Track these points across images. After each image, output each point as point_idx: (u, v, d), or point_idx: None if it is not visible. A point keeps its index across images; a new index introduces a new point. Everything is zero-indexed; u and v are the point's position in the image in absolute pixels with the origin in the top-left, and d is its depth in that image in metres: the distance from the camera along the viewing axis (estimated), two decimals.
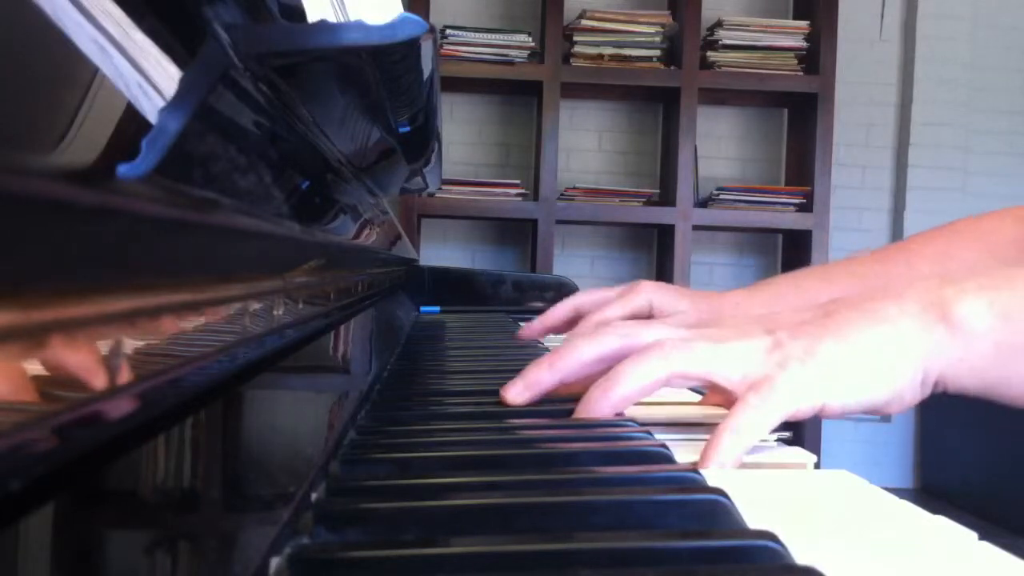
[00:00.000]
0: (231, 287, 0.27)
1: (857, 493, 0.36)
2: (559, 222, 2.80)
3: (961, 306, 0.45)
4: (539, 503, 0.30)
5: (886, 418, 3.14)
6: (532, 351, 0.84)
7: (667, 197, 2.87)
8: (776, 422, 0.44)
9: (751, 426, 0.43)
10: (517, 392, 0.51)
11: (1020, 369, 0.45)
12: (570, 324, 0.79)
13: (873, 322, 0.45)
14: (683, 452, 0.42)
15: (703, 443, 0.44)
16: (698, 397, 0.60)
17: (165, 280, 0.21)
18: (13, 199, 0.13)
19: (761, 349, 0.46)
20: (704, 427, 0.50)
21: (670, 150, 2.91)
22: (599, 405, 0.47)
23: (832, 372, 0.44)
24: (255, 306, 0.29)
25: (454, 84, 2.82)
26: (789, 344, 0.45)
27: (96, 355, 0.17)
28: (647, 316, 0.74)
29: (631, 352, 0.48)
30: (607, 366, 0.49)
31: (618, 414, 0.48)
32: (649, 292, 0.75)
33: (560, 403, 0.51)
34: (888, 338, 0.45)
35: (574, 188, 2.85)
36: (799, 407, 0.43)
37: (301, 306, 0.38)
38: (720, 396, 0.55)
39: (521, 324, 1.19)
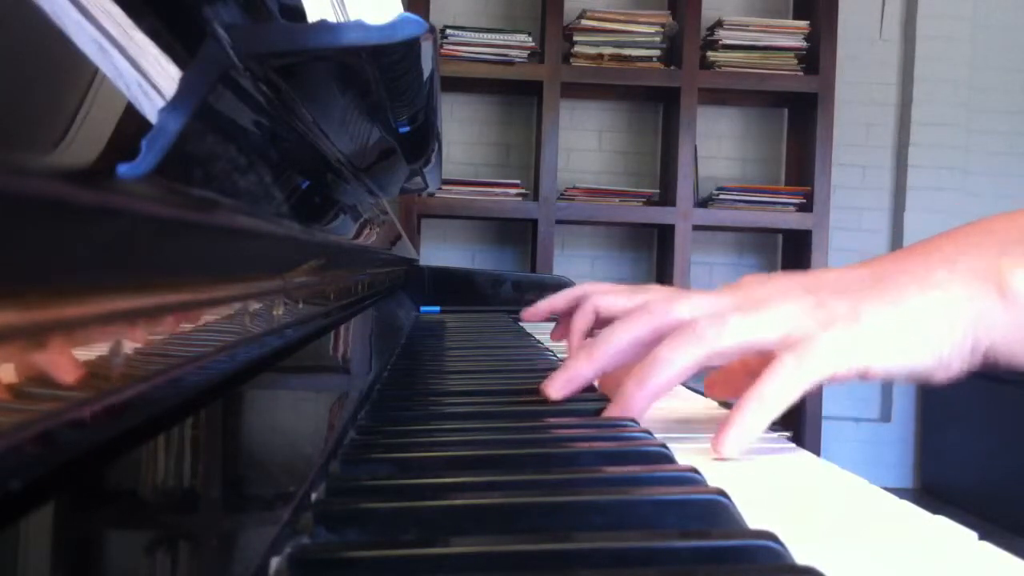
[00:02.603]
0: (231, 287, 0.27)
1: (857, 493, 0.36)
2: (559, 222, 2.80)
3: (1016, 277, 0.43)
4: (539, 503, 0.30)
5: (886, 418, 3.14)
6: (533, 351, 0.84)
7: (667, 197, 2.87)
8: (811, 385, 0.42)
9: (780, 391, 0.41)
10: (558, 387, 0.50)
11: None
12: (572, 311, 0.76)
13: (923, 287, 0.44)
14: (684, 452, 0.42)
15: (705, 443, 0.44)
16: (701, 399, 0.60)
17: (165, 280, 0.21)
18: (13, 199, 0.13)
19: (802, 309, 0.44)
20: (706, 424, 0.50)
21: (670, 150, 2.91)
22: (635, 398, 0.46)
23: (877, 334, 0.42)
24: (255, 306, 0.29)
25: (454, 84, 2.82)
26: (832, 304, 0.43)
27: (96, 355, 0.17)
28: None
29: (666, 332, 0.47)
30: (645, 349, 0.48)
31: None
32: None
33: (565, 403, 0.51)
34: (938, 304, 0.43)
35: (574, 188, 2.85)
36: (838, 370, 0.42)
37: (301, 306, 0.38)
38: (724, 380, 0.53)
39: (522, 325, 1.20)
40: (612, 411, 0.47)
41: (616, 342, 0.50)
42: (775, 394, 0.42)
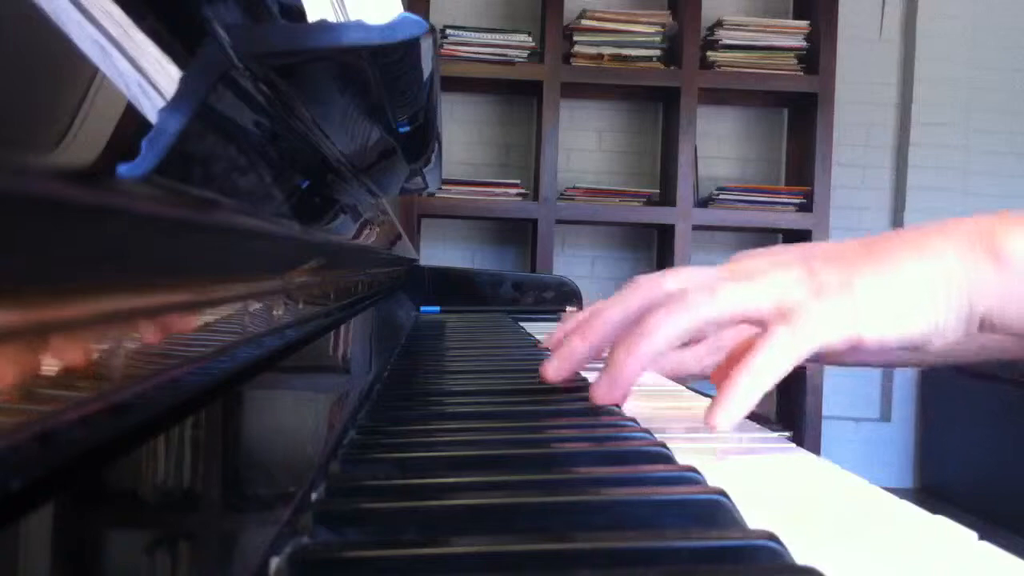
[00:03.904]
0: (231, 287, 0.27)
1: (857, 493, 0.36)
2: (559, 222, 2.80)
3: (1010, 241, 0.43)
4: (539, 503, 0.30)
5: (886, 418, 3.14)
6: (532, 351, 0.84)
7: (667, 197, 2.87)
8: (805, 354, 0.42)
9: (772, 363, 0.41)
10: (555, 367, 0.50)
11: None
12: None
13: (916, 254, 0.43)
14: (684, 452, 0.42)
15: (705, 443, 0.44)
16: (704, 400, 0.60)
17: (165, 280, 0.21)
18: (13, 199, 0.13)
19: (794, 278, 0.44)
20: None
21: (670, 150, 2.91)
22: (625, 364, 0.45)
23: (870, 303, 0.42)
24: (255, 306, 0.29)
25: (454, 84, 2.82)
26: (824, 273, 0.43)
27: (96, 355, 0.17)
28: None
29: (657, 304, 0.47)
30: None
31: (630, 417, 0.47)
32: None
33: (565, 402, 0.51)
34: (931, 271, 0.43)
35: (574, 188, 2.85)
36: (830, 339, 0.42)
37: (301, 306, 0.38)
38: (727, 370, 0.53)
39: (521, 324, 1.19)
40: (602, 380, 0.47)
41: (607, 318, 0.50)
42: (767, 366, 0.41)
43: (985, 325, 0.44)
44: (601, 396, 0.47)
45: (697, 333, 0.45)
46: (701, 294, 0.44)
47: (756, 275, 0.44)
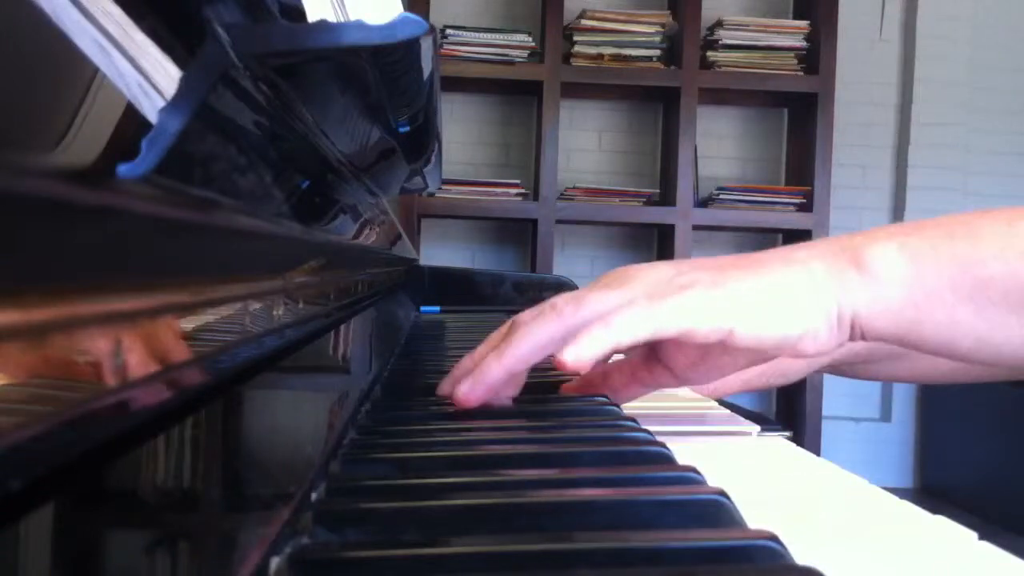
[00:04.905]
0: (231, 287, 0.27)
1: (857, 493, 0.36)
2: (559, 222, 2.80)
3: (871, 249, 0.45)
4: (539, 503, 0.30)
5: (886, 418, 3.14)
6: None
7: (667, 197, 2.87)
8: (668, 330, 0.43)
9: (628, 322, 0.42)
10: (466, 389, 0.48)
11: (933, 315, 0.44)
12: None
13: (783, 263, 0.45)
14: (683, 452, 0.42)
15: (705, 444, 0.44)
16: (705, 400, 0.60)
17: (165, 280, 0.21)
18: (13, 199, 0.13)
19: (665, 277, 0.45)
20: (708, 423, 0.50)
21: (670, 150, 2.91)
22: (491, 368, 0.47)
23: (741, 300, 0.44)
24: (255, 306, 0.29)
25: (454, 84, 2.82)
26: (696, 273, 0.45)
27: (96, 355, 0.17)
28: None
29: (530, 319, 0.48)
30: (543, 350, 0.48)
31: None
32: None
33: (565, 402, 0.51)
34: (798, 277, 0.45)
35: (574, 188, 2.85)
36: (698, 326, 0.43)
37: (301, 306, 0.38)
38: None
39: None
40: (467, 379, 0.47)
41: (520, 348, 0.48)
42: (623, 322, 0.43)
43: (856, 331, 0.45)
44: (463, 395, 0.47)
45: (560, 342, 0.46)
46: (568, 304, 0.46)
47: (626, 281, 0.46)
